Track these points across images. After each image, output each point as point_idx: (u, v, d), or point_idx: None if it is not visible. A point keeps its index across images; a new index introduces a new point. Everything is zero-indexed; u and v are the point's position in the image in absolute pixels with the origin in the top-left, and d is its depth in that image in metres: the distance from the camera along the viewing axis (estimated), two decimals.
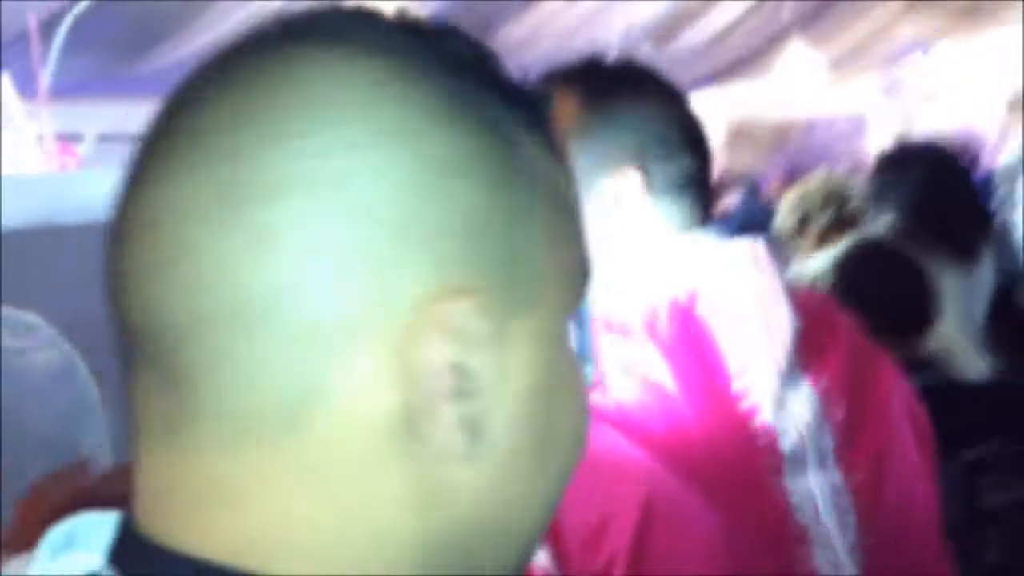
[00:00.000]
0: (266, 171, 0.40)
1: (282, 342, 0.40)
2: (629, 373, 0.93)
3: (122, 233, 0.43)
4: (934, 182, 2.56)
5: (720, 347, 0.94)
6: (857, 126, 16.08)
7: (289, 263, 0.40)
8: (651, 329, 0.95)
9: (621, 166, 1.00)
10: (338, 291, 0.40)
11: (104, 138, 6.47)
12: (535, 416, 0.44)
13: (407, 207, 0.41)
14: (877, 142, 15.63)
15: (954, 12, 13.43)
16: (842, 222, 2.65)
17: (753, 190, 8.67)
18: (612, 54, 5.14)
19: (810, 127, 15.91)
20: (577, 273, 0.48)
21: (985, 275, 2.75)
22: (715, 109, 15.69)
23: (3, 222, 1.84)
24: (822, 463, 0.95)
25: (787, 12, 11.07)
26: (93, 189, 2.00)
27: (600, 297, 0.88)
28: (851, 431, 0.97)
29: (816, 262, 2.57)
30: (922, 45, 13.92)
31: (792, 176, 13.23)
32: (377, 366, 0.41)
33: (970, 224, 2.68)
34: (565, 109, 1.01)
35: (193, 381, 0.41)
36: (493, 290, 0.43)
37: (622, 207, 0.99)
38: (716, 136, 16.09)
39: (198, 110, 0.43)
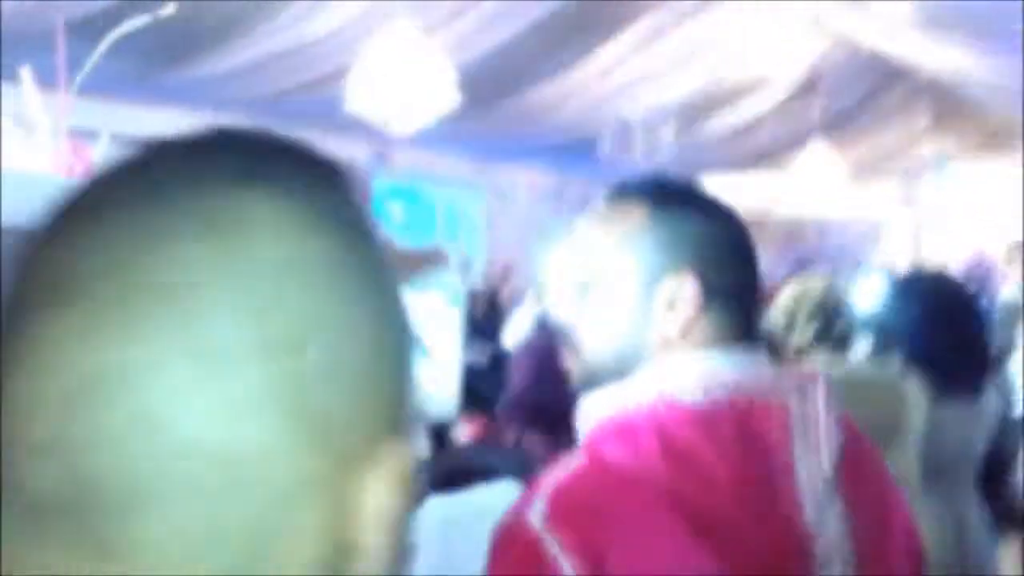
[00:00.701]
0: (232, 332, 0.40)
1: (239, 505, 0.39)
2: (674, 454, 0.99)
3: (51, 392, 0.39)
4: (944, 316, 2.64)
5: (770, 448, 1.01)
6: (871, 233, 16.21)
7: (259, 425, 0.40)
8: (707, 422, 1.01)
9: (680, 271, 1.08)
10: (284, 449, 0.40)
11: (121, 139, 6.56)
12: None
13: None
14: (889, 252, 15.77)
15: (976, 135, 13.62)
16: (826, 336, 2.64)
17: None
18: (635, 130, 5.22)
19: (824, 228, 16.04)
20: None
21: (988, 411, 2.77)
22: (730, 197, 15.78)
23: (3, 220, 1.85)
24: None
25: (814, 113, 11.21)
26: None
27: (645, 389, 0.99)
28: (866, 553, 1.04)
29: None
30: (942, 163, 14.09)
31: (800, 275, 13.28)
32: (320, 514, 0.41)
33: (976, 361, 2.72)
34: (633, 217, 1.12)
35: (133, 557, 0.38)
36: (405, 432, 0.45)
37: (676, 310, 1.07)
38: None
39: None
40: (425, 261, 0.83)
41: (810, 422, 1.03)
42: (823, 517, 1.01)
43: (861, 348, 2.79)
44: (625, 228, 1.12)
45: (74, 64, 2.17)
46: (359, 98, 5.32)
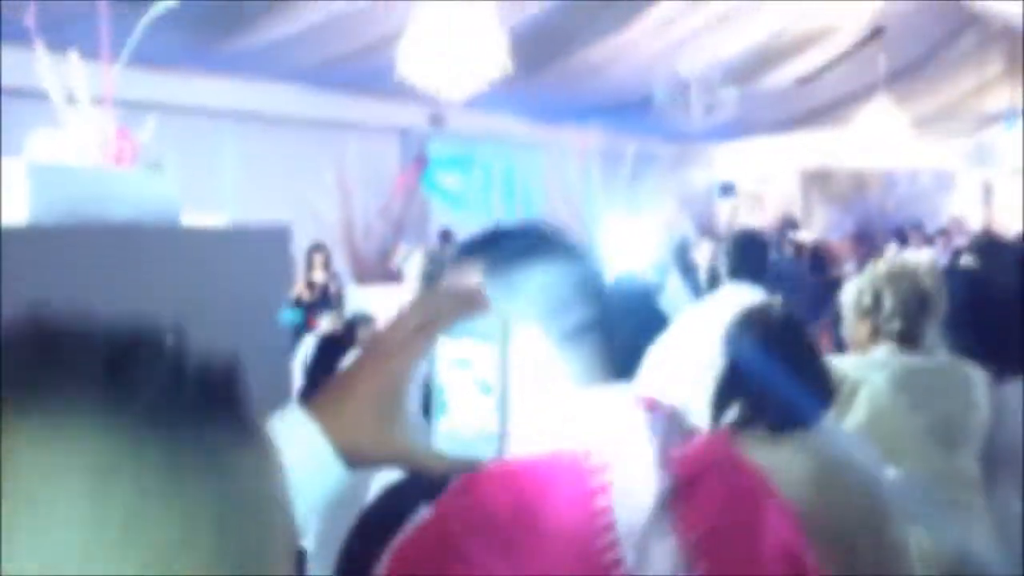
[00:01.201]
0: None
1: None
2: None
3: None
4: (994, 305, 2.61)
5: (597, 500, 1.03)
6: (941, 183, 15.77)
7: None
8: (535, 473, 1.04)
9: (522, 324, 1.06)
10: None
11: (173, 109, 6.63)
12: None
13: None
14: (959, 207, 15.34)
15: None
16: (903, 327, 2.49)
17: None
18: (692, 88, 5.06)
19: (892, 180, 15.65)
20: None
21: None
22: (793, 154, 15.56)
23: (38, 216, 1.84)
24: None
25: (879, 65, 10.87)
26: (128, 188, 2.01)
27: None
28: None
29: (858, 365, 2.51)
30: (1011, 114, 13.58)
31: (867, 228, 13.01)
32: None
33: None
34: (471, 277, 1.12)
35: None
36: None
37: (526, 360, 1.06)
38: (791, 181, 15.80)
39: None
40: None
41: (635, 467, 1.05)
42: (645, 558, 1.02)
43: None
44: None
45: (123, 36, 2.16)
46: (411, 63, 5.28)
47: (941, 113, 13.17)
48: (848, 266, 8.47)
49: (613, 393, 1.12)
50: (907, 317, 2.46)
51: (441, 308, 0.81)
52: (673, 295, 5.19)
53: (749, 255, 3.73)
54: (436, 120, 9.21)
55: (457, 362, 0.79)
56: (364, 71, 7.56)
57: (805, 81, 11.17)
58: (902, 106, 11.55)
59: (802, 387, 1.79)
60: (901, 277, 2.52)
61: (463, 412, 0.79)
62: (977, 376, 2.49)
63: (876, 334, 2.51)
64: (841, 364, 2.47)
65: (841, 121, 12.33)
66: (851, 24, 10.29)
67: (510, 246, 1.16)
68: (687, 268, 7.30)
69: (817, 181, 15.65)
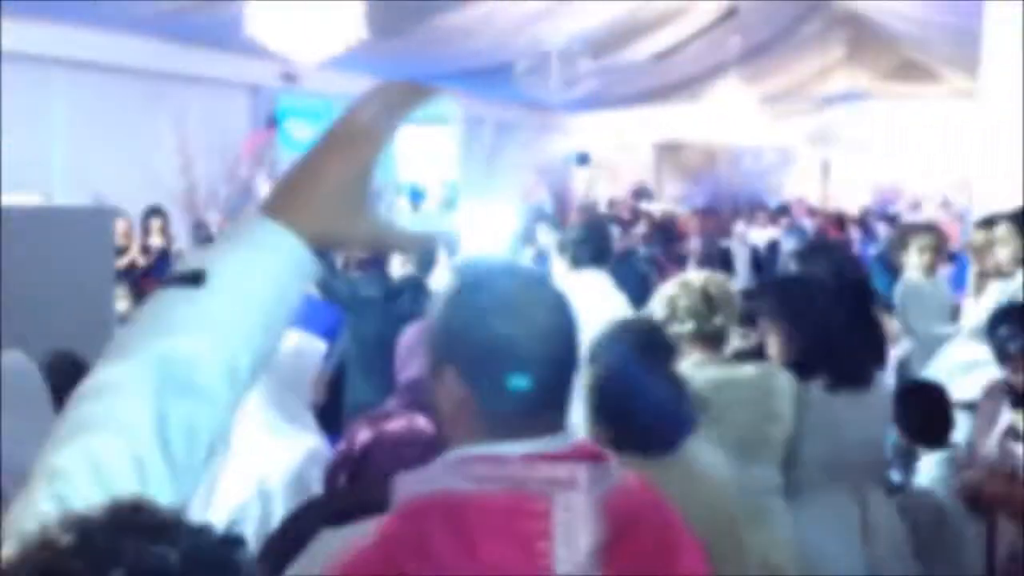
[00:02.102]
0: None
1: None
2: None
3: None
4: (822, 315, 2.59)
5: (529, 540, 1.09)
6: (784, 158, 16.43)
7: None
8: (466, 515, 1.10)
9: (450, 368, 1.19)
10: None
11: (20, 57, 6.04)
12: None
13: None
14: (799, 182, 16.02)
15: (887, 68, 13.78)
16: (702, 336, 2.53)
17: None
18: (552, 58, 5.01)
19: (738, 155, 16.19)
20: None
21: (883, 399, 2.76)
22: (648, 127, 15.85)
23: None
24: None
25: (731, 45, 11.13)
26: None
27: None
28: None
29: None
30: (853, 96, 14.25)
31: (715, 202, 13.40)
32: None
33: (867, 354, 2.70)
34: (431, 316, 1.23)
35: None
36: None
37: (451, 404, 1.18)
38: (645, 153, 16.08)
39: None
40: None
41: (572, 513, 1.09)
42: None
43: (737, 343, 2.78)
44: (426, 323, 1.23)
45: None
46: (261, 23, 4.97)
47: (786, 93, 13.67)
48: (694, 242, 8.59)
49: (557, 439, 1.15)
50: (698, 316, 2.51)
51: (399, 97, 0.85)
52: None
53: (594, 242, 3.69)
54: (289, 78, 8.81)
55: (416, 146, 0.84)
56: (212, 22, 7.13)
57: (661, 57, 11.33)
58: (751, 85, 11.91)
59: (666, 409, 1.75)
60: (689, 283, 2.60)
61: (424, 191, 0.85)
62: (782, 387, 2.52)
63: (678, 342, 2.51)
64: None
65: (695, 96, 12.62)
66: (707, 3, 10.47)
67: (463, 290, 1.19)
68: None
69: (669, 153, 16.02)
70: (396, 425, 1.72)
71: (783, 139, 15.59)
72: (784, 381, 2.54)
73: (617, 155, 15.05)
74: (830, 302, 2.66)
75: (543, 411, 1.16)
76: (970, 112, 13.17)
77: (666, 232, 9.16)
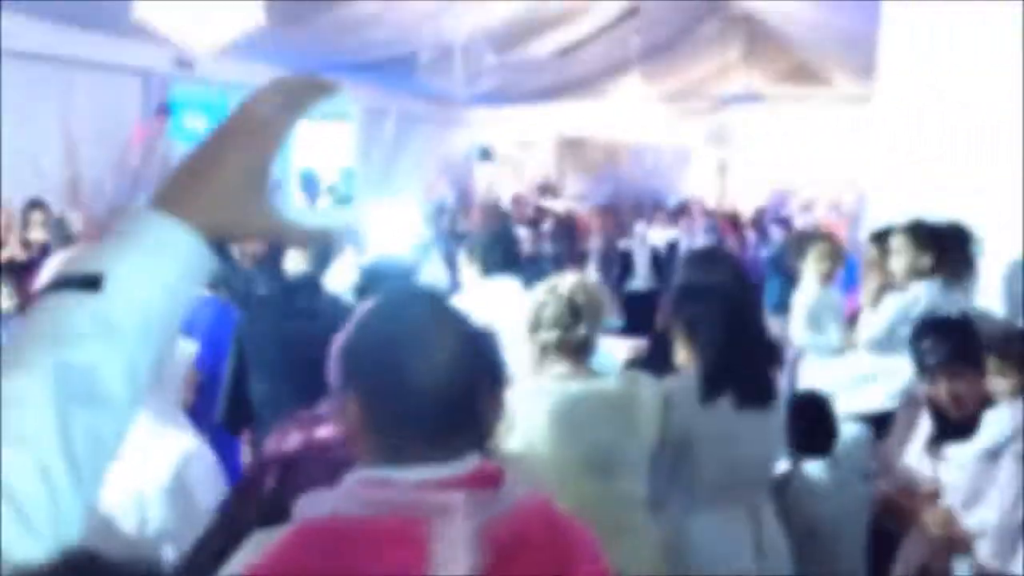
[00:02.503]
0: None
1: None
2: None
3: None
4: (730, 330, 2.57)
5: (409, 565, 1.11)
6: (682, 157, 16.72)
7: None
8: (349, 539, 1.14)
9: (349, 393, 1.23)
10: None
11: None
12: None
13: None
14: (697, 181, 16.33)
15: (782, 70, 14.14)
16: (566, 346, 2.49)
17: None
18: (455, 51, 4.92)
19: (639, 152, 16.39)
20: None
21: (779, 413, 2.76)
22: (551, 123, 15.91)
23: None
24: None
25: (631, 43, 11.25)
26: None
27: None
28: None
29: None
30: (749, 97, 14.57)
31: (616, 200, 13.54)
32: None
33: (765, 371, 2.69)
34: (337, 342, 1.26)
35: None
36: None
37: (348, 429, 1.24)
38: (548, 149, 16.12)
39: None
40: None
41: (450, 540, 1.11)
42: None
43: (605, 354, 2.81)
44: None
45: None
46: (150, 9, 4.74)
47: (685, 92, 13.90)
48: (595, 240, 8.63)
49: (455, 465, 1.18)
50: (563, 326, 2.48)
51: (298, 91, 0.85)
52: (433, 274, 5.02)
53: (503, 247, 3.66)
54: (183, 64, 8.49)
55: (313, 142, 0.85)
56: (101, 3, 6.80)
57: (564, 53, 11.37)
58: (651, 83, 12.06)
59: None
60: (557, 290, 2.54)
61: (319, 186, 0.86)
62: (645, 399, 2.50)
63: (544, 352, 2.52)
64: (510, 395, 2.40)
65: (597, 93, 12.71)
66: (609, 2, 10.55)
67: (367, 319, 1.23)
68: (448, 237, 7.19)
69: (572, 149, 16.11)
70: (326, 431, 1.69)
71: (682, 138, 15.87)
72: (647, 393, 2.51)
73: (519, 151, 15.06)
74: (735, 319, 2.63)
75: (442, 437, 1.18)
76: (861, 116, 13.63)
77: (568, 230, 9.19)
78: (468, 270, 3.64)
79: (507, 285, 3.50)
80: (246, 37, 5.35)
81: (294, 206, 0.85)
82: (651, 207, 12.19)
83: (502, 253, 3.60)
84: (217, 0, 4.69)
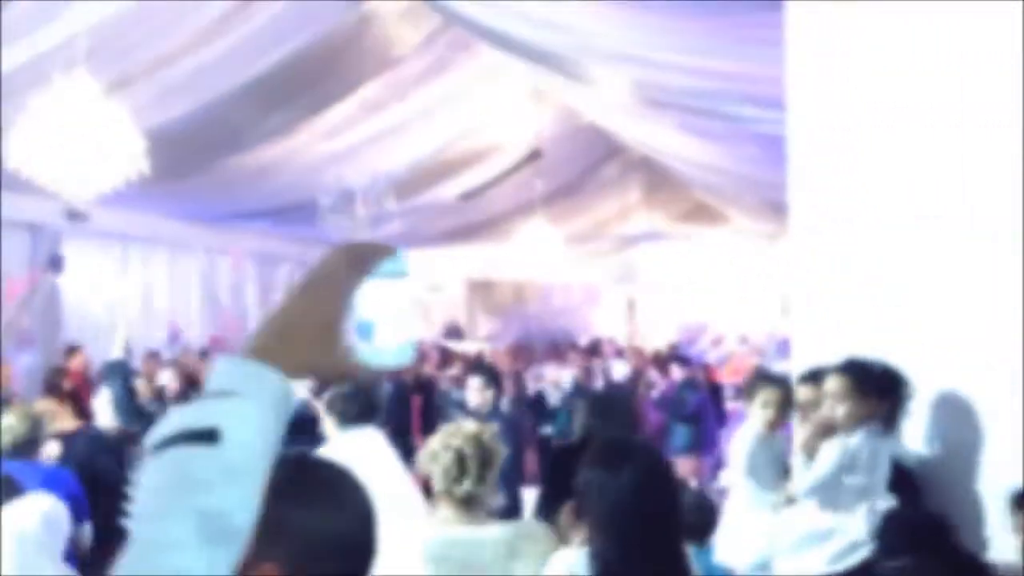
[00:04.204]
0: None
1: None
2: None
3: None
4: (643, 490, 2.14)
5: None
6: (591, 295, 16.90)
7: None
8: None
9: (268, 563, 1.14)
10: None
11: None
12: None
13: None
14: (607, 316, 16.47)
15: (682, 209, 14.58)
16: (451, 496, 2.58)
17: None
18: (356, 196, 4.82)
19: (547, 292, 16.52)
20: None
21: None
22: (459, 265, 15.98)
23: None
24: None
25: (534, 186, 11.46)
26: None
27: None
28: None
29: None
30: (652, 236, 14.93)
31: (526, 339, 13.49)
32: None
33: (674, 536, 2.34)
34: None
35: None
36: None
37: None
38: (457, 291, 16.08)
39: None
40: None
41: None
42: None
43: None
44: None
45: None
46: (24, 157, 4.54)
47: (589, 233, 14.16)
48: (506, 382, 8.48)
49: None
50: (449, 479, 2.55)
51: (366, 255, 1.00)
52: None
53: (362, 397, 3.61)
54: (74, 216, 8.22)
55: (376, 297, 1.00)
56: None
57: (469, 196, 11.48)
58: (557, 224, 12.25)
59: None
60: (450, 440, 2.61)
61: (383, 334, 1.00)
62: (528, 551, 2.40)
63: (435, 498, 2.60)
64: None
65: (503, 235, 12.83)
66: (511, 145, 10.76)
67: (293, 482, 1.16)
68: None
69: (481, 291, 16.13)
70: None
71: (589, 277, 16.08)
72: (532, 545, 2.42)
73: (429, 294, 15.00)
74: (637, 517, 2.16)
75: None
76: (759, 251, 13.99)
77: (483, 370, 9.00)
78: (328, 421, 3.59)
79: (366, 437, 3.50)
80: (139, 187, 5.19)
81: (363, 349, 0.99)
82: (563, 346, 12.14)
83: (361, 403, 3.57)
84: (92, 150, 4.51)
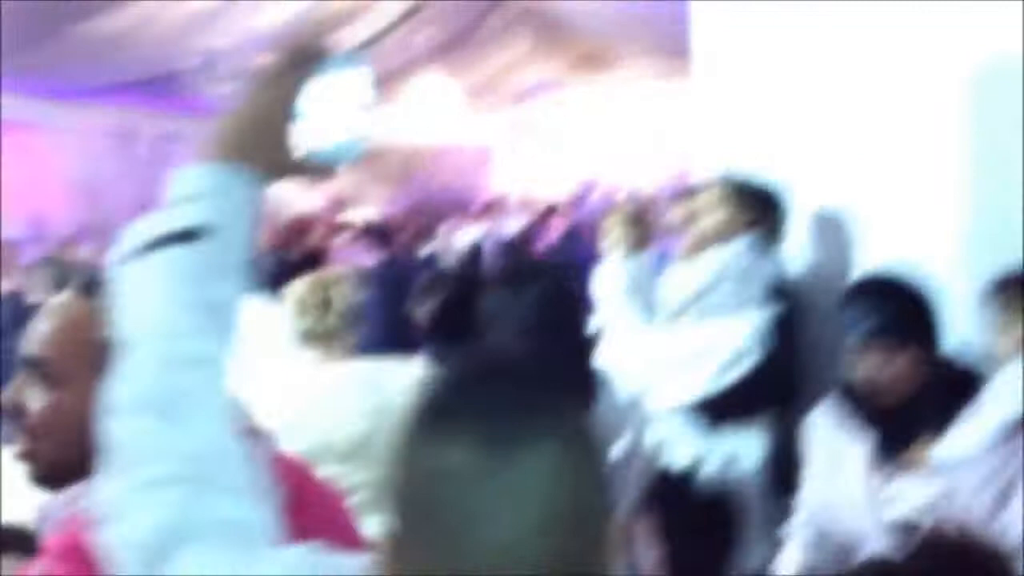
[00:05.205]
0: None
1: None
2: None
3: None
4: (546, 308, 2.18)
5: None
6: (484, 157, 16.48)
7: None
8: None
9: None
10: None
11: None
12: None
13: None
14: (501, 177, 16.13)
15: (576, 58, 14.13)
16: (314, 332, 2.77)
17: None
18: (224, 61, 4.39)
19: (439, 155, 16.01)
20: None
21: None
22: None
23: None
24: None
25: (420, 40, 10.84)
26: None
27: None
28: None
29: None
30: (548, 87, 14.50)
31: (421, 203, 13.11)
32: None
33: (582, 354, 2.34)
34: None
35: None
36: None
37: None
38: None
39: None
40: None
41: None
42: None
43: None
44: None
45: None
46: None
47: (479, 89, 13.63)
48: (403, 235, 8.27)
49: None
50: (313, 317, 2.73)
51: (310, 50, 1.02)
52: None
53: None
54: None
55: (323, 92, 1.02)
56: None
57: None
58: (444, 82, 11.72)
59: None
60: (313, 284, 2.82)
61: (329, 129, 1.03)
62: (402, 387, 2.39)
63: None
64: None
65: (390, 97, 12.22)
66: (388, 2, 10.10)
67: None
68: None
69: (370, 159, 15.54)
70: None
71: (484, 135, 15.64)
72: (406, 381, 2.43)
73: None
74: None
75: None
76: (658, 95, 13.70)
77: (384, 236, 8.66)
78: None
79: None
80: None
81: (311, 145, 1.00)
82: (459, 207, 11.82)
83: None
84: None
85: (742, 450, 3.05)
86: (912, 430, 2.04)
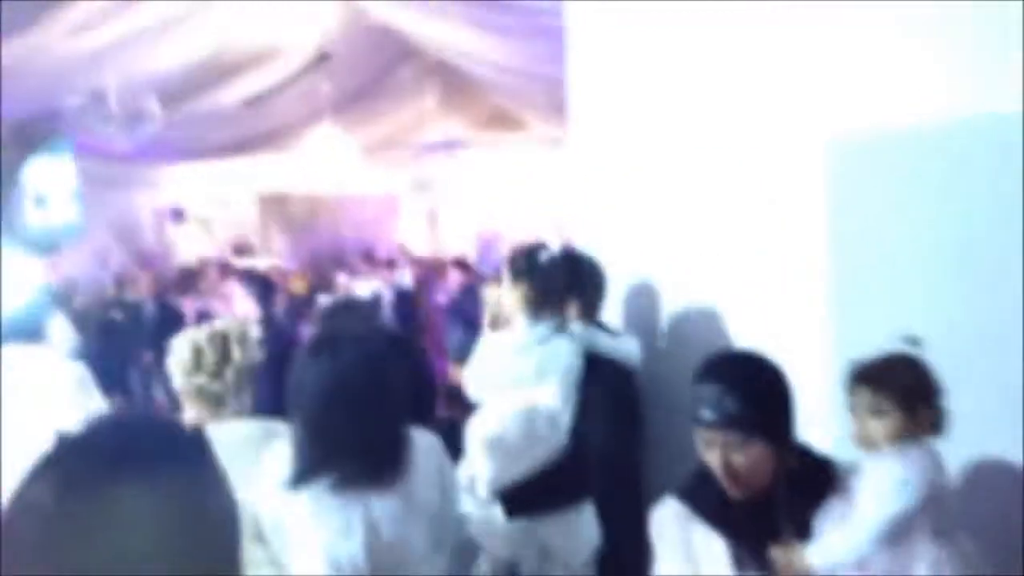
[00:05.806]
0: None
1: None
2: None
3: None
4: (340, 376, 2.12)
5: None
6: (390, 207, 16.32)
7: None
8: None
9: None
10: None
11: None
12: None
13: None
14: (407, 229, 16.00)
15: (481, 117, 14.18)
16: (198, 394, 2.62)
17: None
18: (111, 101, 4.14)
19: (343, 205, 15.78)
20: None
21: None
22: (245, 178, 14.95)
23: None
24: None
25: (326, 89, 10.70)
26: None
27: None
28: None
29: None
30: (452, 144, 14.49)
31: (320, 255, 12.89)
32: None
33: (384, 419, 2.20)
34: None
35: None
36: None
37: None
38: (247, 206, 15.16)
39: None
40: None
41: None
42: None
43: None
44: None
45: None
46: None
47: (384, 142, 13.53)
48: (279, 296, 8.06)
49: None
50: (184, 371, 2.59)
51: (30, 132, 0.81)
52: (59, 343, 4.47)
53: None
54: None
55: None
56: None
57: (252, 103, 10.61)
58: (349, 133, 11.57)
59: None
60: (194, 333, 2.65)
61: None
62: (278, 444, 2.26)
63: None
64: None
65: (292, 145, 12.03)
66: (296, 48, 9.96)
67: None
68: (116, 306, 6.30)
69: (274, 206, 15.25)
70: None
71: (387, 188, 15.54)
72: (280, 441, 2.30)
73: (216, 209, 14.01)
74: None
75: None
76: (557, 160, 13.86)
77: (267, 288, 8.44)
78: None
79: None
80: None
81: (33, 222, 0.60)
82: (359, 259, 11.65)
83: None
84: None
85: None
86: (771, 524, 1.91)
